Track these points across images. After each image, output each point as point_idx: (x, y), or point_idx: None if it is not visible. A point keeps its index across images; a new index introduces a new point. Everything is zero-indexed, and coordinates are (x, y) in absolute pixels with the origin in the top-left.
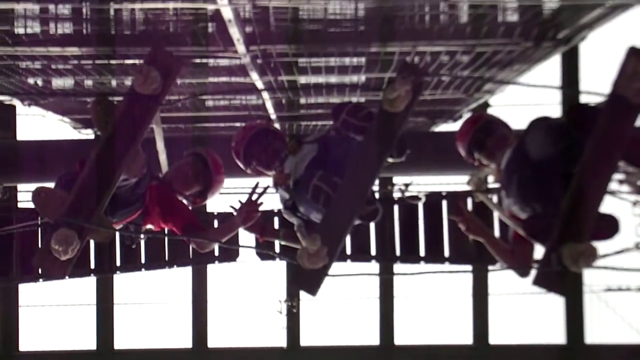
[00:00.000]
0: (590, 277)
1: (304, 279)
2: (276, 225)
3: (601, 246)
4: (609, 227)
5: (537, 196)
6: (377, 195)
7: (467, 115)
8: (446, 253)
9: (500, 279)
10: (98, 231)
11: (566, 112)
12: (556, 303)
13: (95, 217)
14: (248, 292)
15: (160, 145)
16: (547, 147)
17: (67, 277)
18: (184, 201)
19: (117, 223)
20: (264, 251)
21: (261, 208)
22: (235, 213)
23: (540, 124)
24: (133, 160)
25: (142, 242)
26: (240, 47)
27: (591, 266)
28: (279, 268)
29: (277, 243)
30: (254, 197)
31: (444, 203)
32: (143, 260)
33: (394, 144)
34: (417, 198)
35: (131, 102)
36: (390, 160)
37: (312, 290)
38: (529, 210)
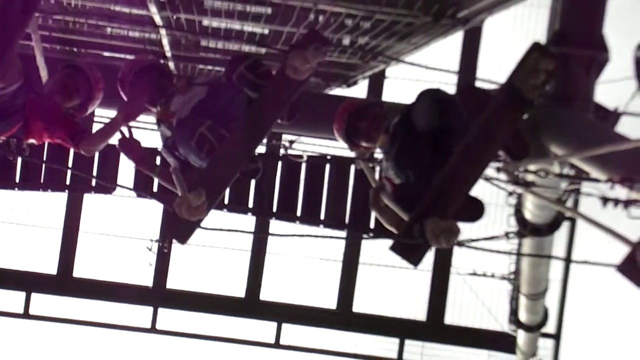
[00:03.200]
0: (458, 260)
1: (178, 227)
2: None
3: (470, 229)
4: (474, 210)
5: (412, 165)
6: (261, 151)
7: (361, 82)
8: (322, 216)
9: (372, 248)
10: None
11: (458, 91)
12: (423, 279)
13: None
14: (122, 225)
15: (40, 61)
16: (431, 119)
17: None
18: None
19: None
20: (141, 193)
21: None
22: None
23: (430, 95)
24: (7, 67)
25: (19, 161)
26: None
27: (450, 244)
28: (155, 205)
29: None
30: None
31: (327, 166)
32: (18, 180)
33: (286, 108)
34: (300, 157)
35: (7, 6)
36: (278, 122)
37: (184, 239)
38: (403, 177)
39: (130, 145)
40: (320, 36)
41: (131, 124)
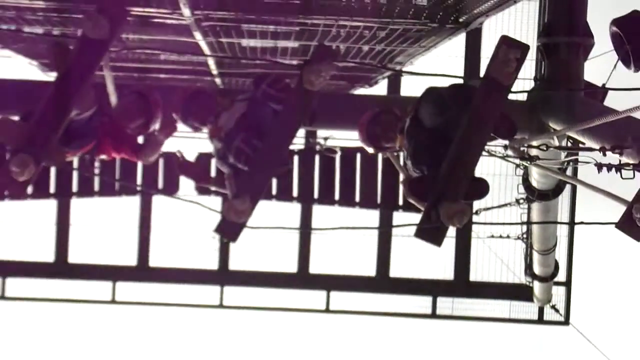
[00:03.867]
0: (478, 225)
1: (228, 228)
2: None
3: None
4: (480, 189)
5: (426, 161)
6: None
7: (381, 81)
8: (357, 199)
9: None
10: (52, 157)
11: (449, 89)
12: (448, 245)
13: (50, 146)
14: (188, 218)
15: (110, 89)
16: (435, 118)
17: (28, 198)
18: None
19: (72, 153)
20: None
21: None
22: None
23: (430, 97)
24: (84, 97)
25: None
26: (186, 11)
27: (463, 224)
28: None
29: None
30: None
31: (358, 156)
32: (97, 188)
33: (308, 116)
34: (333, 151)
35: (83, 46)
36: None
37: (234, 238)
38: (419, 171)
39: (186, 168)
40: (329, 50)
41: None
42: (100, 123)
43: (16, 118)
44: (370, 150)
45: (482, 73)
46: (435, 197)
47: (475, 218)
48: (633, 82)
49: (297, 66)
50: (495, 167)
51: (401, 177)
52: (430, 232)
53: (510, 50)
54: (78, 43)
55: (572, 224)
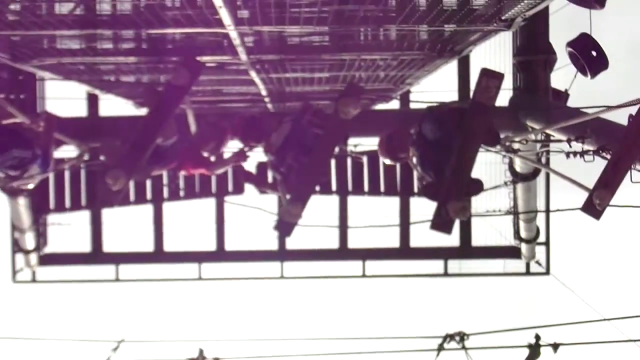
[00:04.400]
0: (476, 203)
1: (284, 227)
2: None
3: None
4: (476, 188)
5: (431, 165)
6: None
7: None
8: (382, 189)
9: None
10: (139, 173)
11: (445, 109)
12: None
13: (139, 165)
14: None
15: (191, 120)
16: (435, 132)
17: (130, 205)
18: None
19: (158, 170)
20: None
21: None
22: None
23: (430, 116)
24: (168, 129)
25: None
26: (243, 57)
27: (467, 216)
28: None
29: None
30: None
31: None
32: (182, 194)
33: (343, 138)
34: (360, 157)
35: (168, 90)
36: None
37: (289, 234)
38: (427, 176)
39: (249, 176)
40: (358, 88)
41: None
42: (182, 149)
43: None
44: (387, 161)
45: (472, 82)
46: (443, 198)
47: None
48: (589, 86)
49: (333, 99)
50: (488, 157)
51: (415, 173)
52: (441, 224)
53: (490, 80)
54: (164, 88)
55: (547, 211)
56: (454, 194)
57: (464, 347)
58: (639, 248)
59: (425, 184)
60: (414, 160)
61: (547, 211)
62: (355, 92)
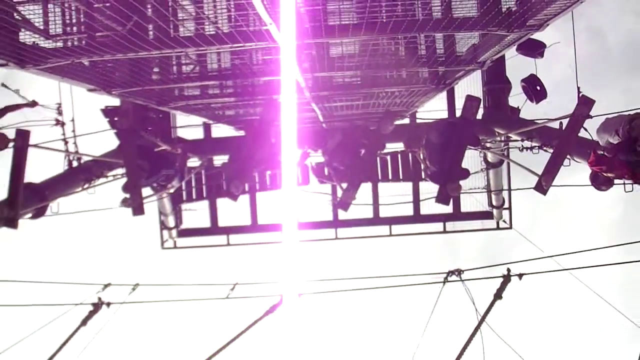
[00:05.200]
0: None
1: (343, 205)
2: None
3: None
4: (465, 173)
5: (435, 160)
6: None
7: (407, 117)
8: (400, 177)
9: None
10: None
11: (445, 122)
12: None
13: (246, 173)
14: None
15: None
16: (439, 137)
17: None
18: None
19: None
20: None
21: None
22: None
23: (435, 126)
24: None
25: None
26: (307, 93)
27: (459, 193)
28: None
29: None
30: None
31: (399, 156)
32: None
33: (382, 147)
34: (385, 157)
35: (260, 122)
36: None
37: (346, 210)
38: (432, 167)
39: (314, 170)
40: (392, 113)
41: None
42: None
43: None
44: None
45: (458, 109)
46: (443, 181)
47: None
48: (534, 107)
49: (377, 121)
50: (471, 153)
51: (422, 167)
52: (442, 199)
53: (472, 102)
54: (259, 119)
55: (509, 190)
56: (451, 179)
57: (461, 279)
58: (567, 213)
59: (430, 172)
60: (422, 156)
61: (509, 189)
62: (391, 116)
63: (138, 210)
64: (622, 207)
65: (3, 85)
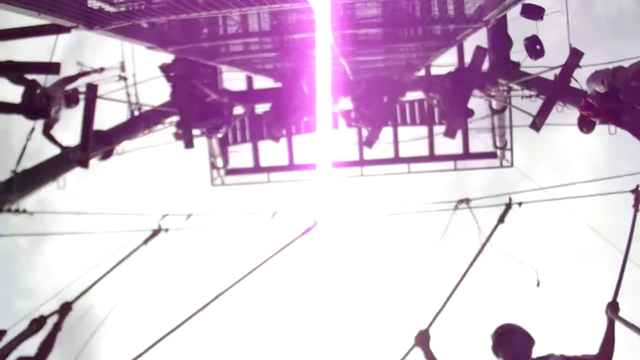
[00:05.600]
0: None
1: (369, 142)
2: None
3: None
4: (471, 112)
5: (447, 103)
6: None
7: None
8: (417, 121)
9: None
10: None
11: (456, 73)
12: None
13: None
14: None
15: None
16: (451, 83)
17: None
18: None
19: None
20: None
21: None
22: None
23: (449, 76)
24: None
25: None
26: (336, 49)
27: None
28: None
29: None
30: None
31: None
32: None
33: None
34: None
35: (293, 72)
36: None
37: (371, 147)
38: (445, 108)
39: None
40: (412, 65)
41: None
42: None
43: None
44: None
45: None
46: (453, 120)
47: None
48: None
49: (398, 72)
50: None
51: (436, 110)
52: (450, 133)
53: (481, 52)
54: (295, 72)
55: (511, 131)
56: (458, 116)
57: (469, 207)
58: (561, 158)
59: (442, 112)
60: (435, 101)
61: (511, 130)
62: (410, 68)
63: (188, 144)
64: (606, 154)
65: (78, 63)
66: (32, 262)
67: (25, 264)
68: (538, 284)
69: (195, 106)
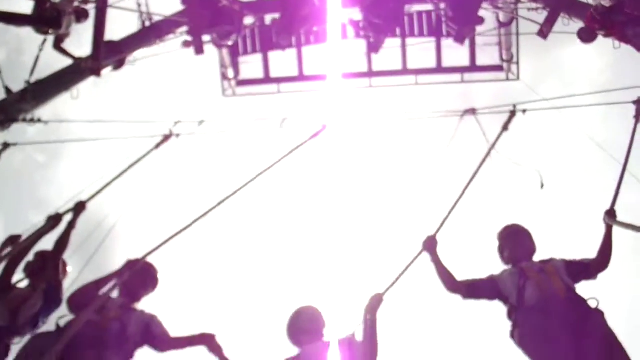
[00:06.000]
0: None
1: (374, 48)
2: None
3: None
4: (479, 19)
5: (458, 8)
6: None
7: None
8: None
9: None
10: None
11: None
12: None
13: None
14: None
15: None
16: None
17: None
18: None
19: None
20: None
21: None
22: None
23: None
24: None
25: None
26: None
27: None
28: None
29: None
30: None
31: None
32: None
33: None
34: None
35: None
36: None
37: (377, 52)
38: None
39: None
40: None
41: None
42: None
43: None
44: None
45: None
46: (463, 25)
47: None
48: None
49: None
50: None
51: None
52: (459, 38)
53: None
54: None
55: (517, 42)
56: (468, 22)
57: (475, 116)
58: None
59: (450, 18)
60: (442, 12)
61: (518, 38)
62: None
63: (199, 50)
64: (611, 70)
65: None
66: (48, 176)
67: (42, 177)
68: (542, 186)
69: (206, 12)
